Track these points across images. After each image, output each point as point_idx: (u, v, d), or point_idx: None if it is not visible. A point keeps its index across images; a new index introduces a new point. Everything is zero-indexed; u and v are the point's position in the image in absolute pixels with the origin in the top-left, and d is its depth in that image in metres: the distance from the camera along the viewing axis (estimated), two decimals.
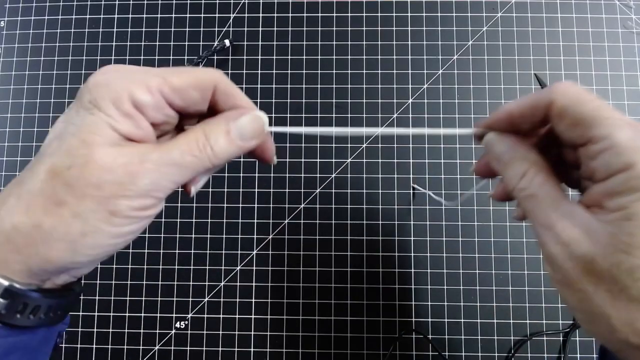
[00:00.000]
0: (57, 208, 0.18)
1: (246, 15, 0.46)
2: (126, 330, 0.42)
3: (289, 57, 0.45)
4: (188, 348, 0.41)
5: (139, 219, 0.20)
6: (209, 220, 0.43)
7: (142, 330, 0.42)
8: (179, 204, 0.43)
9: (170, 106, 0.21)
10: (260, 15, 0.46)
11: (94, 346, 0.41)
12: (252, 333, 0.41)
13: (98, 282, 0.42)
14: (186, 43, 0.46)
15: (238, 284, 0.42)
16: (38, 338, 0.21)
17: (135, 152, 0.19)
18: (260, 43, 0.45)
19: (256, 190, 0.43)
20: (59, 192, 0.18)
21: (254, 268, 0.42)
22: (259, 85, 0.45)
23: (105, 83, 0.19)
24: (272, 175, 0.43)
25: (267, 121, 0.22)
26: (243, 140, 0.21)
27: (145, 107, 0.20)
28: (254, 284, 0.42)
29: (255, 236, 0.43)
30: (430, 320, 0.41)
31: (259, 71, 0.45)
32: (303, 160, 0.43)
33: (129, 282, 0.42)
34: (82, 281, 0.41)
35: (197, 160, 0.20)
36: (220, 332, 0.41)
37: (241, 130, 0.21)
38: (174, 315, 0.42)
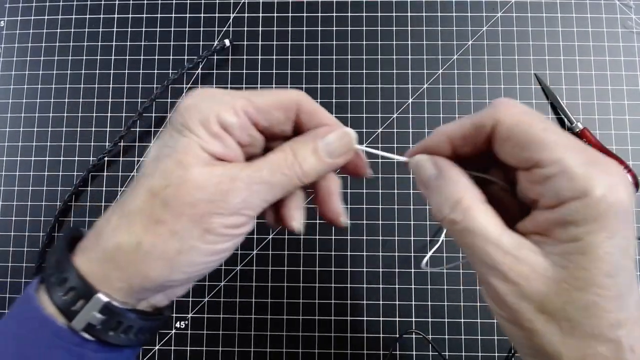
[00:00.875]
0: (156, 226, 0.19)
1: (246, 15, 0.46)
2: None
3: (289, 57, 0.45)
4: (188, 348, 0.41)
5: (231, 237, 0.21)
6: None
7: None
8: None
9: (255, 127, 0.21)
10: (260, 15, 0.46)
11: None
12: (252, 333, 0.41)
13: None
14: (186, 43, 0.46)
15: (238, 283, 0.42)
16: (127, 356, 0.22)
17: (227, 171, 0.20)
18: (260, 43, 0.45)
19: None
20: (158, 211, 0.19)
21: (254, 268, 0.42)
22: (259, 85, 0.45)
23: (194, 106, 0.20)
24: None
25: (355, 137, 0.22)
26: (331, 158, 0.21)
27: (232, 127, 0.20)
28: (254, 284, 0.42)
29: (255, 236, 0.43)
30: (430, 320, 0.41)
31: (259, 71, 0.45)
32: None
33: None
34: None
35: (287, 178, 0.20)
36: (221, 332, 0.41)
37: (329, 148, 0.21)
38: (174, 315, 0.42)
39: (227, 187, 0.19)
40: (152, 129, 0.45)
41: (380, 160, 0.43)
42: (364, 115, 0.44)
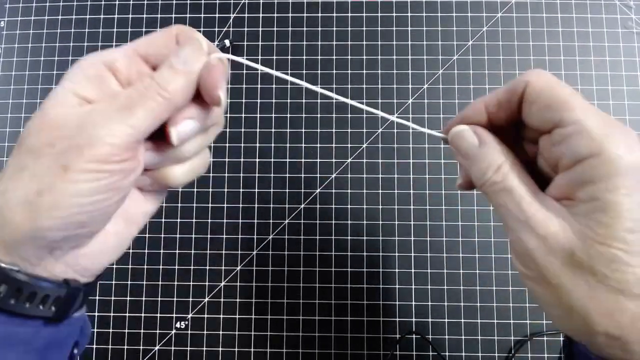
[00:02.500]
0: (20, 173, 0.19)
1: (246, 15, 0.46)
2: (126, 331, 0.42)
3: (289, 57, 0.45)
4: (188, 348, 0.41)
5: (98, 172, 0.19)
6: (209, 221, 0.43)
7: (142, 331, 0.42)
8: (179, 204, 0.43)
9: (144, 61, 0.22)
10: (260, 15, 0.46)
11: (94, 346, 0.41)
12: (252, 333, 0.41)
13: (98, 282, 0.42)
14: None
15: (238, 284, 0.42)
16: (43, 337, 0.21)
17: (87, 108, 0.20)
18: (260, 43, 0.45)
19: (256, 190, 0.43)
20: (23, 159, 0.19)
21: (254, 268, 0.42)
22: (259, 85, 0.45)
23: (83, 58, 0.21)
24: (272, 175, 0.43)
25: (206, 42, 0.22)
26: (186, 65, 0.21)
27: (116, 62, 0.21)
28: (254, 284, 0.42)
29: (255, 236, 0.43)
30: (430, 320, 0.41)
31: (259, 71, 0.45)
32: (303, 160, 0.43)
33: (129, 282, 0.42)
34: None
35: (146, 98, 0.20)
36: (221, 332, 0.41)
37: (183, 58, 0.21)
38: (174, 315, 0.42)
39: (83, 120, 0.19)
40: None
41: (380, 161, 0.43)
42: (364, 115, 0.44)
